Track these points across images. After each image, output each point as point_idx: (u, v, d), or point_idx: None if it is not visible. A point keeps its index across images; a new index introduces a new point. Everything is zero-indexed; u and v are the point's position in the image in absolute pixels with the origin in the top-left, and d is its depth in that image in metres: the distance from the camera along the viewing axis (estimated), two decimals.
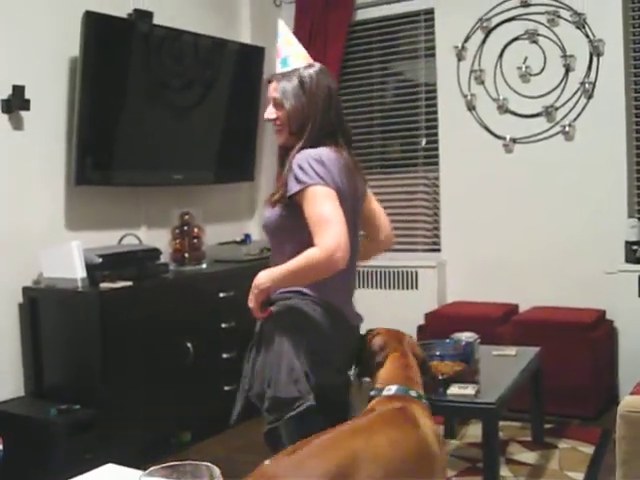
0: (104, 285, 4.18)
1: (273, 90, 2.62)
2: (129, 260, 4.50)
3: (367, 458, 2.06)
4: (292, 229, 2.55)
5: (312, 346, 2.52)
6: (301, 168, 2.47)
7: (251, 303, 2.54)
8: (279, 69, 2.62)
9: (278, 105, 2.61)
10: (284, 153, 2.66)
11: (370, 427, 2.24)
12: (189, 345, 4.48)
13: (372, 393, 2.52)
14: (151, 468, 0.90)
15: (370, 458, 2.07)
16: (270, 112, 2.64)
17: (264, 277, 2.52)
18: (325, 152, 2.53)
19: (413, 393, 2.47)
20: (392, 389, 2.47)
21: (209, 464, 0.90)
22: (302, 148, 2.54)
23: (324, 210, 2.44)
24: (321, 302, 2.56)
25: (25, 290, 4.31)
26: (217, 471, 0.89)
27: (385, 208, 2.91)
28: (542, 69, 5.34)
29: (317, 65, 2.64)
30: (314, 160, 2.48)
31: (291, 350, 2.49)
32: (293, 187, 2.47)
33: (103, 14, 4.46)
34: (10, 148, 4.26)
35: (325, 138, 2.58)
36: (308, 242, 2.44)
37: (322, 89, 2.60)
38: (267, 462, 1.99)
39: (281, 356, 2.49)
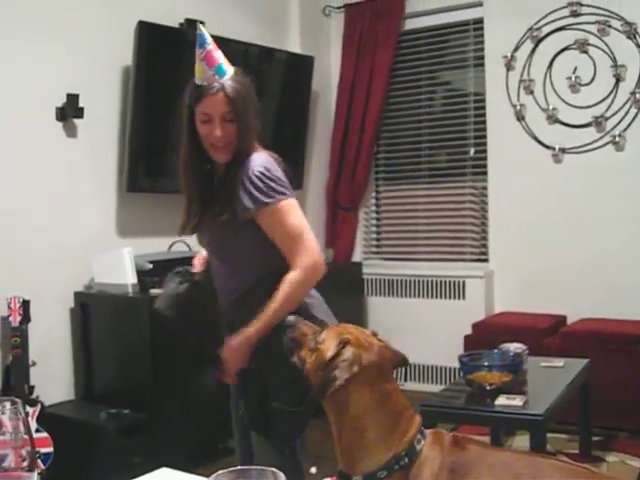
0: (154, 291, 4.22)
1: (221, 104, 2.31)
2: (179, 267, 4.54)
3: None
4: (249, 250, 2.44)
5: None
6: (253, 185, 2.32)
7: (238, 359, 2.47)
8: (216, 78, 2.31)
9: (227, 120, 2.33)
10: (216, 168, 2.47)
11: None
12: None
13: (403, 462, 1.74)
14: (218, 472, 0.91)
15: None
16: (220, 130, 2.33)
17: (252, 330, 2.44)
18: (267, 160, 2.40)
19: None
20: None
21: (275, 469, 0.91)
22: (244, 159, 2.37)
23: (288, 225, 2.34)
24: None
25: (77, 295, 4.39)
26: (282, 476, 0.90)
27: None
28: (592, 79, 5.30)
29: (235, 67, 2.40)
30: (264, 176, 2.34)
31: None
32: (248, 206, 2.33)
33: (155, 24, 4.54)
34: (64, 155, 4.35)
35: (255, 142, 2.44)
36: (267, 261, 2.40)
37: (254, 93, 2.43)
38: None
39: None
